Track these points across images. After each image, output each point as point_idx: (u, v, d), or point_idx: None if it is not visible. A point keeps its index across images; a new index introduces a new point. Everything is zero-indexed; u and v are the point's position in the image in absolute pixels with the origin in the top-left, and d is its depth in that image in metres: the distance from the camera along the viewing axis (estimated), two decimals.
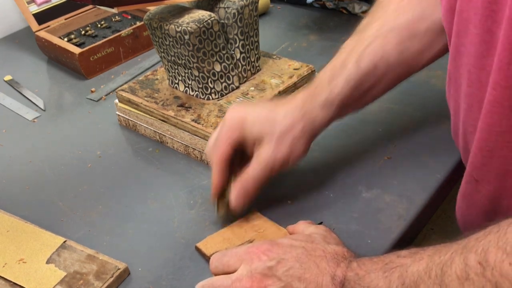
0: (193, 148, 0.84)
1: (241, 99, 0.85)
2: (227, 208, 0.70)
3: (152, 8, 0.88)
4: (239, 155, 0.70)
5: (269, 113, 0.69)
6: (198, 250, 0.69)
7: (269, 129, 0.68)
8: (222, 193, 0.70)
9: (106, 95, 1.03)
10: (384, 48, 0.70)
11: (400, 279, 0.52)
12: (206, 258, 0.67)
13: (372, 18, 0.73)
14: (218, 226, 0.73)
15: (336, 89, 0.70)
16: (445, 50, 0.71)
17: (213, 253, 0.64)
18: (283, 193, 0.76)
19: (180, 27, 0.80)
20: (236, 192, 0.68)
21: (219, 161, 0.69)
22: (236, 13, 0.84)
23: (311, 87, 0.72)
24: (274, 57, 0.94)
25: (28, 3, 1.16)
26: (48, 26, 1.17)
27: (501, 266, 0.44)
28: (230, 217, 0.71)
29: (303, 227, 0.67)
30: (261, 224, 0.70)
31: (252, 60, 0.90)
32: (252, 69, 0.90)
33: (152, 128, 0.89)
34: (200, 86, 0.86)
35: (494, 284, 0.44)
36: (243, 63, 0.88)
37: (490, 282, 0.45)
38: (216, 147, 0.69)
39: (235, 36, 0.86)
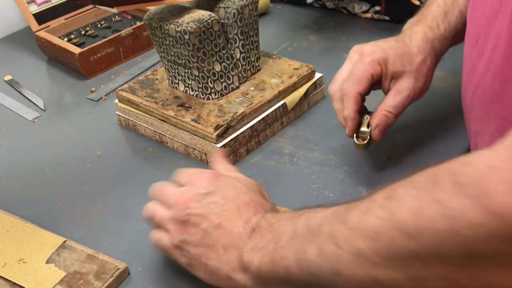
0: (193, 148, 0.84)
1: (241, 99, 0.85)
2: (368, 142, 0.73)
3: (152, 8, 0.88)
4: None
5: (403, 48, 0.73)
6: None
7: (408, 63, 0.73)
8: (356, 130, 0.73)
9: (106, 95, 1.03)
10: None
11: (306, 222, 0.54)
12: None
13: None
14: None
15: (452, 23, 0.75)
16: None
17: None
18: (283, 193, 0.76)
19: (180, 27, 0.80)
20: (379, 129, 0.72)
21: (357, 97, 0.72)
22: (236, 13, 0.84)
23: (427, 19, 0.76)
24: (274, 57, 0.94)
25: (28, 3, 1.16)
26: (48, 26, 1.17)
27: (407, 199, 0.44)
28: (370, 147, 0.74)
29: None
30: None
31: (252, 60, 0.90)
32: (252, 69, 0.90)
33: (152, 128, 0.89)
34: (200, 86, 0.86)
35: (392, 213, 0.45)
36: (243, 63, 0.88)
37: (391, 211, 0.45)
38: (354, 82, 0.72)
39: (235, 36, 0.86)
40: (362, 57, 0.73)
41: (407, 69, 0.73)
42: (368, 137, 0.73)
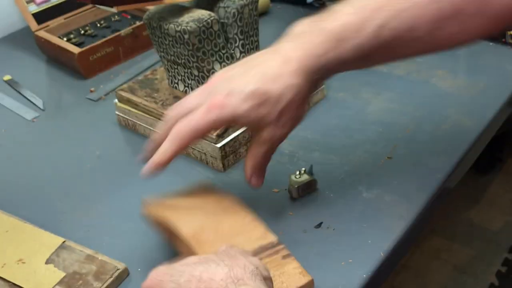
0: (193, 148, 0.84)
1: None
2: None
3: (151, 8, 0.88)
4: None
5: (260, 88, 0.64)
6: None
7: (267, 114, 0.63)
8: None
9: (106, 94, 1.03)
10: (416, 20, 0.60)
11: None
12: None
13: None
14: None
15: (342, 56, 0.62)
16: (485, 35, 0.64)
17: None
18: (283, 193, 0.76)
19: (180, 27, 0.80)
20: (247, 172, 0.68)
21: (186, 138, 0.64)
22: (236, 13, 0.84)
23: (317, 37, 0.64)
24: None
25: (28, 2, 1.16)
26: (48, 25, 1.16)
27: None
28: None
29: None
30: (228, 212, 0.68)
31: None
32: None
33: (152, 128, 0.89)
34: (200, 85, 0.86)
35: None
36: None
37: None
38: (187, 120, 0.64)
39: (235, 36, 0.86)
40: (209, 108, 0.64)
41: (264, 121, 0.64)
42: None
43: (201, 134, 0.64)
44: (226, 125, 0.72)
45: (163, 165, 0.65)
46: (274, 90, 0.61)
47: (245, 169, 0.68)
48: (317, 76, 0.63)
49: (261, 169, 0.68)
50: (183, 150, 0.66)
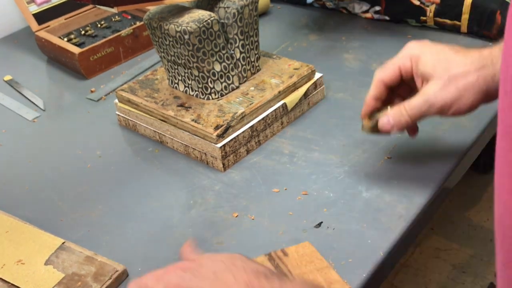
0: (193, 148, 0.84)
1: (241, 99, 0.85)
2: (373, 127, 0.70)
3: (152, 8, 0.88)
4: (408, 90, 0.70)
5: (448, 55, 0.66)
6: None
7: (443, 69, 0.65)
8: (372, 114, 0.70)
9: (106, 95, 1.03)
10: None
11: None
12: None
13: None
14: (217, 226, 0.73)
15: None
16: None
17: None
18: (283, 193, 0.76)
19: (180, 27, 0.80)
20: (387, 118, 0.68)
21: (379, 81, 0.69)
22: (236, 13, 0.84)
23: (498, 46, 0.64)
24: (274, 57, 0.94)
25: (28, 3, 1.16)
26: (48, 26, 1.17)
27: None
28: (375, 134, 0.71)
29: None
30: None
31: (252, 60, 0.89)
32: (252, 69, 0.90)
33: (152, 128, 0.89)
34: (200, 86, 0.86)
35: None
36: (243, 63, 0.88)
37: None
38: (382, 69, 0.69)
39: (235, 36, 0.86)
40: (402, 50, 0.69)
41: (437, 74, 0.65)
42: (376, 122, 0.70)
43: None
44: None
45: None
46: None
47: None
48: None
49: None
50: None
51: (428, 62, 0.66)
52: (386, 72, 0.69)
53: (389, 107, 0.69)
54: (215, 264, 0.55)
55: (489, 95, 0.65)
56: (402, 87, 0.71)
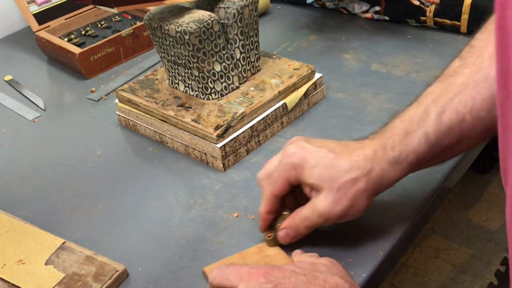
0: (193, 148, 0.84)
1: (241, 99, 0.85)
2: (274, 239, 0.68)
3: (152, 8, 0.88)
4: (296, 189, 0.67)
5: (332, 161, 0.63)
6: (204, 274, 0.66)
7: (329, 179, 0.63)
8: (271, 225, 0.68)
9: (106, 95, 1.04)
10: (473, 101, 0.61)
11: None
12: None
13: (464, 63, 0.64)
14: (217, 226, 0.73)
15: (411, 145, 0.62)
16: None
17: None
18: None
19: (180, 27, 0.80)
20: (285, 232, 0.66)
21: (270, 198, 0.66)
22: (236, 13, 0.84)
23: (385, 135, 0.64)
24: (274, 57, 0.94)
25: (28, 3, 1.16)
26: (48, 26, 1.17)
27: None
28: (276, 244, 0.68)
29: (310, 257, 0.65)
30: (274, 256, 0.67)
31: (252, 60, 0.90)
32: (252, 69, 0.90)
33: (152, 128, 0.89)
34: (200, 86, 0.86)
35: None
36: (243, 63, 0.88)
37: None
38: (270, 183, 0.66)
39: (235, 36, 0.86)
40: (282, 156, 0.65)
41: (325, 185, 0.63)
42: (275, 235, 0.68)
43: None
44: None
45: None
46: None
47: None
48: (390, 168, 0.63)
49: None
50: None
51: (314, 173, 0.63)
52: (276, 186, 0.66)
53: (286, 212, 0.68)
54: (297, 278, 0.56)
55: (380, 191, 0.65)
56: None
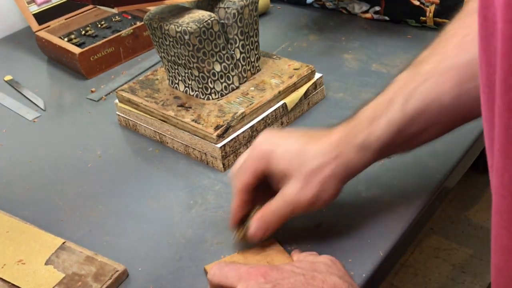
0: (193, 148, 0.84)
1: (241, 99, 0.85)
2: (244, 236, 0.67)
3: (152, 8, 0.88)
4: (265, 184, 0.66)
5: (299, 148, 0.63)
6: (206, 272, 0.66)
7: (297, 166, 0.62)
8: (242, 221, 0.67)
9: (106, 95, 1.04)
10: (439, 88, 0.61)
11: None
12: None
13: (432, 52, 0.64)
14: (217, 226, 0.73)
15: (376, 132, 0.62)
16: None
17: None
18: None
19: (180, 27, 0.80)
20: (256, 226, 0.65)
21: (240, 190, 0.65)
22: (236, 13, 0.84)
23: (350, 123, 0.64)
24: (274, 57, 0.94)
25: (28, 3, 1.16)
26: (48, 26, 1.17)
27: None
28: (247, 244, 0.68)
29: (310, 256, 0.65)
30: (275, 256, 0.67)
31: (252, 60, 0.90)
32: (252, 69, 0.90)
33: (152, 128, 0.89)
34: (200, 86, 0.86)
35: None
36: (243, 63, 0.88)
37: None
38: (239, 175, 0.65)
39: (235, 36, 0.86)
40: (252, 148, 0.65)
41: (293, 172, 0.62)
42: (244, 232, 0.66)
43: None
44: None
45: None
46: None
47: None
48: (357, 158, 0.63)
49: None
50: None
51: (281, 161, 0.63)
52: (244, 179, 0.65)
53: (257, 207, 0.66)
54: (295, 279, 0.56)
55: (348, 179, 0.65)
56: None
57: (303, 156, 0.62)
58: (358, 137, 0.63)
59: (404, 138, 0.63)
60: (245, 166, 0.65)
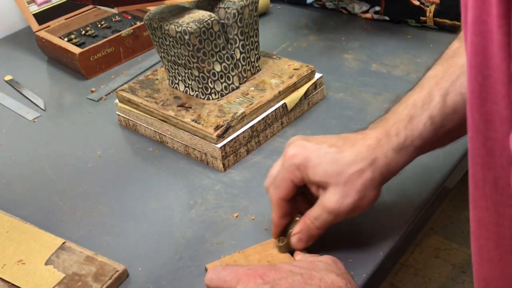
0: (193, 148, 0.84)
1: (241, 99, 0.85)
2: (288, 246, 0.66)
3: (152, 8, 0.88)
4: (304, 190, 0.66)
5: (335, 155, 0.61)
6: (206, 271, 0.66)
7: (335, 173, 0.61)
8: (284, 231, 0.67)
9: (106, 95, 1.04)
10: None
11: None
12: None
13: (463, 43, 0.63)
14: (217, 226, 0.73)
15: (416, 130, 0.61)
16: None
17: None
18: None
19: (180, 27, 0.80)
20: (298, 237, 0.65)
21: (279, 202, 0.65)
22: (236, 13, 0.84)
23: (387, 123, 0.63)
24: (274, 57, 0.94)
25: (28, 3, 1.16)
26: (48, 26, 1.17)
27: None
28: (289, 251, 0.67)
29: (310, 257, 0.65)
30: (276, 255, 0.67)
31: (252, 60, 0.90)
32: (252, 69, 0.90)
33: (152, 128, 0.89)
34: (200, 86, 0.86)
35: None
36: (243, 63, 0.88)
37: None
38: (276, 187, 0.64)
39: (235, 36, 0.86)
40: (284, 158, 0.64)
41: (332, 180, 0.61)
42: (287, 241, 0.66)
43: None
44: None
45: None
46: None
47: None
48: (396, 155, 0.62)
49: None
50: None
51: (318, 170, 0.62)
52: (282, 190, 0.64)
53: (298, 216, 0.66)
54: (293, 278, 0.56)
55: (387, 179, 0.64)
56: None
57: (340, 163, 0.61)
58: (398, 137, 0.61)
59: (443, 134, 0.62)
60: (280, 178, 0.64)
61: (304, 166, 0.62)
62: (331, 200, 0.62)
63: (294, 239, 0.65)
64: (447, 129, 0.62)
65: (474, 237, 0.42)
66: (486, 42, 0.34)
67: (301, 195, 0.66)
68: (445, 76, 0.62)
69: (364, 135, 0.63)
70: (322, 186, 0.62)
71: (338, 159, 0.61)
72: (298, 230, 0.65)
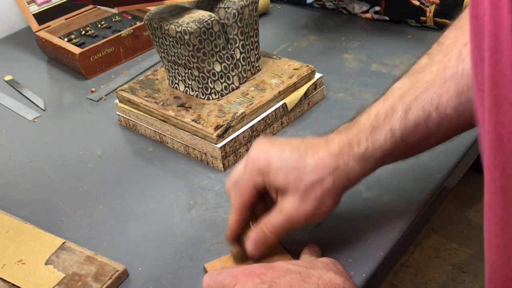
0: (193, 148, 0.84)
1: (241, 99, 0.85)
2: (242, 252, 0.66)
3: (152, 8, 0.88)
4: (262, 196, 0.65)
5: (297, 160, 0.61)
6: (205, 271, 0.66)
7: (295, 179, 0.61)
8: (239, 236, 0.66)
9: (106, 95, 1.04)
10: (441, 97, 0.60)
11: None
12: None
13: (432, 60, 0.63)
14: (217, 226, 0.73)
15: (378, 142, 0.61)
16: None
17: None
18: None
19: (180, 27, 0.80)
20: (254, 242, 0.64)
21: (238, 206, 0.64)
22: (236, 13, 0.84)
23: (350, 132, 0.63)
24: (274, 57, 0.94)
25: (28, 3, 1.16)
26: (48, 26, 1.17)
27: None
28: (244, 259, 0.66)
29: (310, 257, 0.64)
30: (275, 255, 0.66)
31: (252, 60, 0.90)
32: (252, 69, 0.90)
33: (152, 128, 0.89)
34: (200, 86, 0.86)
35: None
36: (243, 63, 0.88)
37: None
38: (237, 190, 0.64)
39: (235, 36, 0.86)
40: (247, 162, 0.63)
41: (291, 187, 0.60)
42: (243, 249, 0.65)
43: None
44: None
45: None
46: None
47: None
48: (356, 168, 0.62)
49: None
50: None
51: (279, 175, 0.61)
52: (243, 194, 0.63)
53: (251, 225, 0.65)
54: (291, 277, 0.56)
55: (347, 188, 0.63)
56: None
57: (301, 169, 0.61)
58: (359, 147, 0.61)
59: (405, 147, 0.62)
60: (242, 182, 0.64)
61: (266, 170, 0.62)
62: (289, 206, 0.61)
63: (249, 247, 0.64)
64: (408, 143, 0.62)
65: (485, 221, 0.42)
66: (497, 26, 0.34)
67: (261, 201, 0.66)
68: (410, 90, 0.62)
69: (327, 141, 0.63)
70: (282, 192, 0.62)
71: (300, 165, 0.61)
72: (254, 237, 0.64)
